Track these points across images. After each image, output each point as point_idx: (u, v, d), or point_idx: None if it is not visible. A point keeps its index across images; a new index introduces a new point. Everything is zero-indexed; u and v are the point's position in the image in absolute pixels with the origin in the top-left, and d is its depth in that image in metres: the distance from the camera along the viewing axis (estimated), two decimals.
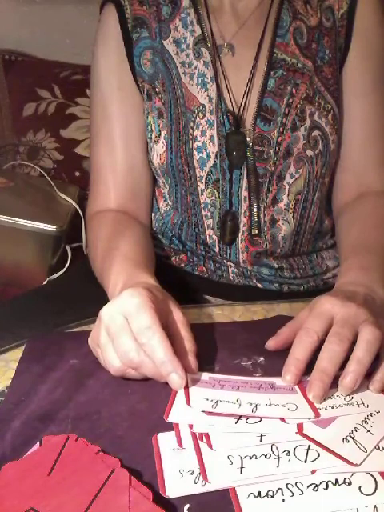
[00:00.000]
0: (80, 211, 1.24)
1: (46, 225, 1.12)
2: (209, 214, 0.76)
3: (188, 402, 0.45)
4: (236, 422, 0.43)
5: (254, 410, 0.44)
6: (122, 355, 0.47)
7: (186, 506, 0.37)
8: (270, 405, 0.45)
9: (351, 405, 0.45)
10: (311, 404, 0.45)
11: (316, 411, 0.44)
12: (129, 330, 0.47)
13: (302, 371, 0.48)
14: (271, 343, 0.54)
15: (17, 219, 1.11)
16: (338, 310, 0.50)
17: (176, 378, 0.46)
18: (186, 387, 0.47)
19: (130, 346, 0.47)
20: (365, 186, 0.77)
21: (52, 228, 1.13)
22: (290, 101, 0.71)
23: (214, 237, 0.77)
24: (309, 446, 0.41)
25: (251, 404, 0.45)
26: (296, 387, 0.48)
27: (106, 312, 0.50)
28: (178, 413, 0.45)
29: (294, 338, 0.50)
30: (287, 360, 0.49)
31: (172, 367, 0.46)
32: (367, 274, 0.58)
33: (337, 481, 0.38)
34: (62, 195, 1.25)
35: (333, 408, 0.45)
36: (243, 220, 0.75)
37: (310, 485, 0.38)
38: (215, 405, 0.44)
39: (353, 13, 0.72)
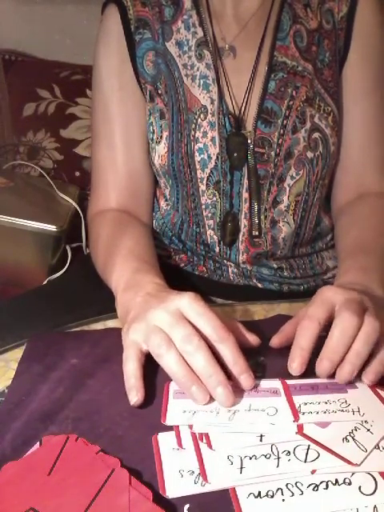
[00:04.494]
0: (80, 211, 1.24)
1: (45, 225, 1.12)
2: (209, 214, 0.76)
3: (164, 418, 0.44)
4: (229, 419, 0.43)
5: (231, 417, 0.44)
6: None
7: (186, 506, 0.37)
8: (250, 410, 0.45)
9: (346, 412, 0.45)
10: (292, 407, 0.45)
11: (296, 415, 0.44)
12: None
13: (307, 359, 0.48)
14: (275, 340, 0.54)
15: (17, 219, 1.11)
16: (340, 297, 0.50)
17: (248, 378, 0.47)
18: (166, 398, 0.46)
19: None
20: (364, 186, 0.77)
21: (52, 228, 1.12)
22: (291, 103, 0.71)
23: (215, 237, 0.77)
24: (309, 445, 0.41)
25: (229, 411, 0.45)
26: (281, 389, 0.47)
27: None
28: (174, 415, 0.45)
29: None
30: (292, 349, 0.49)
31: (244, 368, 0.47)
32: (365, 274, 0.59)
33: (337, 481, 0.38)
34: (62, 195, 1.25)
35: (326, 413, 0.44)
36: (244, 221, 0.75)
37: (310, 485, 0.38)
38: (192, 416, 0.44)
39: (352, 15, 0.73)
